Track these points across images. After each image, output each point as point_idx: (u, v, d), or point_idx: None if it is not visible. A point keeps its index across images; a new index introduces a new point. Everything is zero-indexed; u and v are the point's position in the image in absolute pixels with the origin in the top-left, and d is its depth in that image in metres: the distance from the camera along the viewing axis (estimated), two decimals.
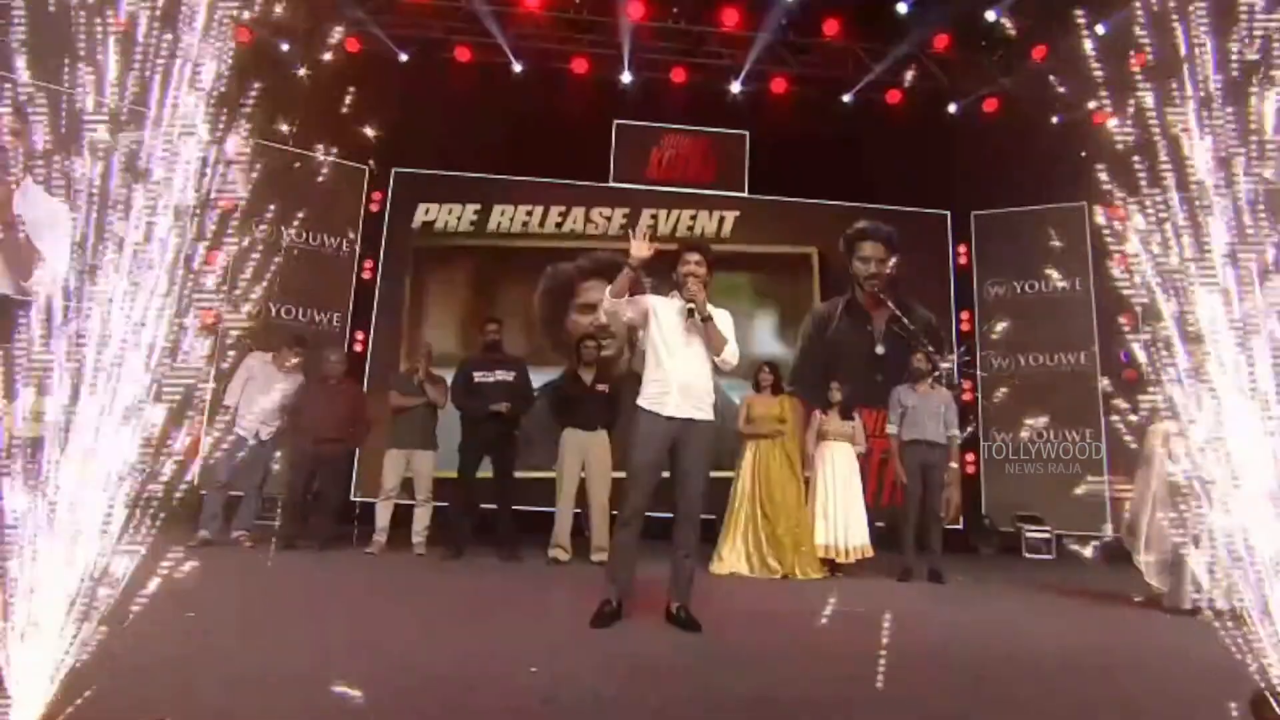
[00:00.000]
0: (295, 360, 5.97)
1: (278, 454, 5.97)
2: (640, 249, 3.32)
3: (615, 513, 3.50)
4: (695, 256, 3.44)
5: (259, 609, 3.41)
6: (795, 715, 2.18)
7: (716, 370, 3.48)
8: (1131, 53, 2.20)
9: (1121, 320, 8.11)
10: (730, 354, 3.41)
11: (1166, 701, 2.53)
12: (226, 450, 5.65)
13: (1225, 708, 2.01)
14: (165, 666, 2.24)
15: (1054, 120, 8.44)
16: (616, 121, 9.02)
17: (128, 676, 2.07)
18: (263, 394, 5.75)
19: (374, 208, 8.67)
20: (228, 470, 5.65)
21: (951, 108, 8.87)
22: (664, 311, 3.45)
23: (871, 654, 2.93)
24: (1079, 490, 7.96)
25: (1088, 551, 5.45)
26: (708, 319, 3.35)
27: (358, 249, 8.56)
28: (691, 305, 3.34)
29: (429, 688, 2.19)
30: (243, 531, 5.63)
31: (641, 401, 3.37)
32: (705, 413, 3.40)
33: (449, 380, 5.99)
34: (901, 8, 7.95)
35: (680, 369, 3.35)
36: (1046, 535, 7.97)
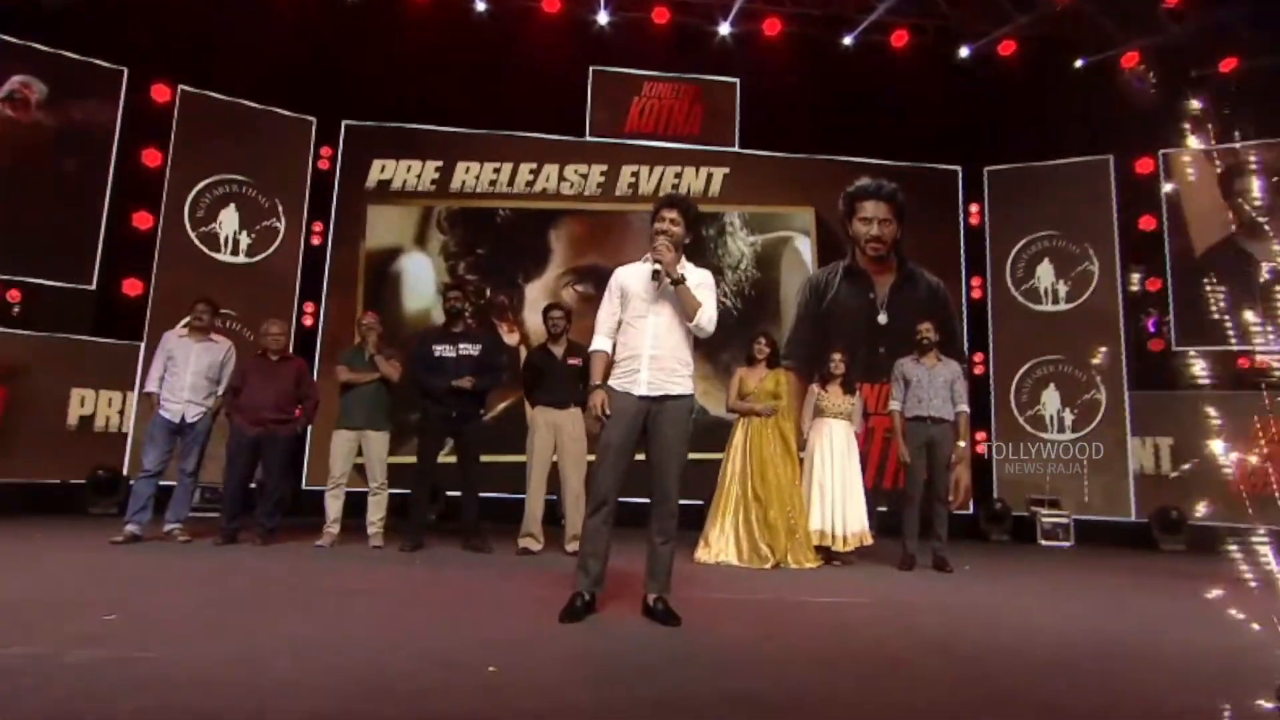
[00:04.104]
0: (205, 321, 5.49)
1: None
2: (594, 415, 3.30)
3: None
4: (672, 213, 3.32)
5: (194, 611, 3.20)
6: (781, 718, 2.08)
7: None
8: None
9: (1148, 286, 7.67)
10: (707, 320, 3.28)
11: (1189, 694, 2.45)
12: (152, 436, 5.26)
13: (1248, 700, 2.04)
14: (72, 675, 2.06)
15: (1077, 64, 7.89)
16: (593, 68, 8.62)
17: (33, 687, 1.95)
18: (185, 371, 5.37)
19: (322, 164, 8.19)
20: (156, 457, 5.24)
21: (963, 51, 8.48)
22: (632, 281, 3.36)
23: (868, 650, 2.86)
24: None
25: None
26: (678, 282, 3.24)
27: (305, 210, 8.03)
28: (658, 267, 3.23)
29: (378, 693, 2.09)
30: (176, 525, 5.30)
31: (613, 380, 3.30)
32: (681, 387, 3.28)
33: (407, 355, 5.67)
34: None
35: (649, 340, 3.27)
36: (1064, 520, 7.76)
